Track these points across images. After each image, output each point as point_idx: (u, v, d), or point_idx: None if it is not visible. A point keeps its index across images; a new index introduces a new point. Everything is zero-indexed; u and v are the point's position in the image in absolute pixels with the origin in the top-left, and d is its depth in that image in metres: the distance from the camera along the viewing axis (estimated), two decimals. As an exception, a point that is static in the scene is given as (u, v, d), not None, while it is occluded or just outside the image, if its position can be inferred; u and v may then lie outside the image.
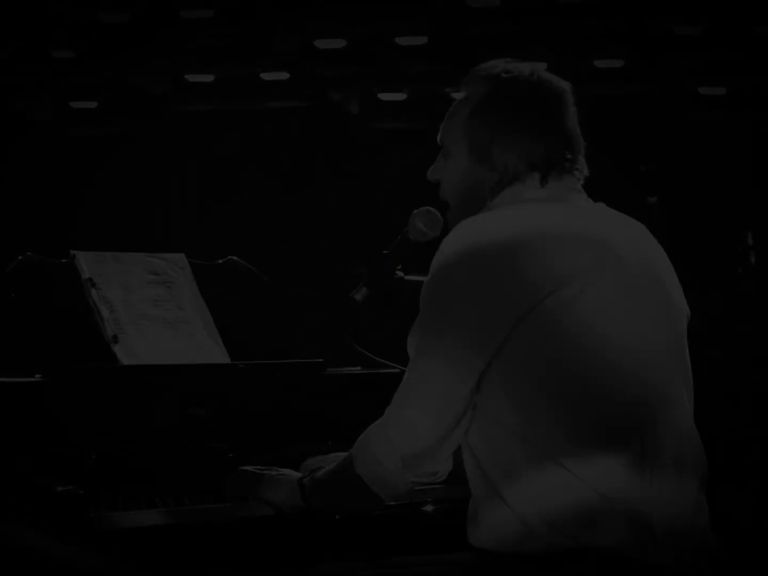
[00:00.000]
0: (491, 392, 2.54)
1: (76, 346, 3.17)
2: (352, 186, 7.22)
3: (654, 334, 2.60)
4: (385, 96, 7.14)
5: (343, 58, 6.79)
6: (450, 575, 2.67)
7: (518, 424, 2.51)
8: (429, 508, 3.02)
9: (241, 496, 2.87)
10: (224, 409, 3.12)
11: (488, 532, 2.55)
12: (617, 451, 2.50)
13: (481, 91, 2.72)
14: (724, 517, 2.96)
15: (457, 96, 2.79)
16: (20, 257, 3.25)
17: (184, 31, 6.56)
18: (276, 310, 3.51)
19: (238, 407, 3.14)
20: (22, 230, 6.66)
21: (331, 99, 7.13)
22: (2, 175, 7.05)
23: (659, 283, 2.66)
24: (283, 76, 6.99)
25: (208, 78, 6.99)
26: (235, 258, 3.52)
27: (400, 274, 3.24)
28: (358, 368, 3.39)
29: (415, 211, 3.20)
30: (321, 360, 3.29)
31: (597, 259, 2.56)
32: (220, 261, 3.50)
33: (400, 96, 7.13)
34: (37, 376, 3.01)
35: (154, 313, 3.26)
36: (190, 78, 6.99)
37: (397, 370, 3.16)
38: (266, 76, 6.99)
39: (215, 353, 3.27)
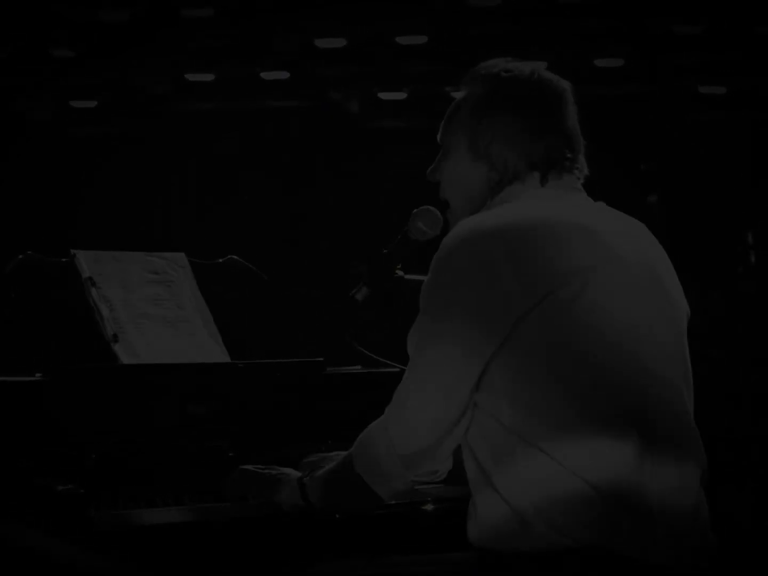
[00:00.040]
0: (491, 391, 2.54)
1: (76, 345, 3.17)
2: (352, 186, 7.22)
3: (654, 333, 2.59)
4: (385, 95, 7.14)
5: (343, 57, 6.79)
6: (450, 574, 2.67)
7: (518, 423, 2.51)
8: (429, 507, 3.02)
9: (242, 496, 2.87)
10: (224, 408, 3.12)
11: (488, 531, 2.55)
12: (618, 449, 2.49)
13: (481, 90, 2.72)
14: (724, 517, 2.96)
15: (457, 95, 2.79)
16: (20, 256, 3.25)
17: (185, 31, 6.57)
18: (276, 309, 3.51)
19: (238, 406, 3.14)
20: (22, 230, 6.66)
21: (331, 99, 7.13)
22: (2, 175, 7.05)
23: (659, 282, 2.66)
24: (283, 75, 6.99)
25: (208, 77, 7.00)
26: (235, 257, 3.52)
27: (400, 273, 3.24)
28: (358, 367, 3.39)
29: (416, 210, 3.20)
30: (321, 359, 3.29)
31: (597, 258, 2.56)
32: (221, 260, 3.50)
33: (400, 95, 7.14)
34: (38, 375, 3.01)
35: (154, 312, 3.26)
36: (190, 77, 7.00)
37: (397, 370, 3.16)
38: (266, 76, 6.99)
39: (215, 352, 3.27)
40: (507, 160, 2.67)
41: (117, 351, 3.14)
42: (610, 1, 6.41)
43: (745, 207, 7.08)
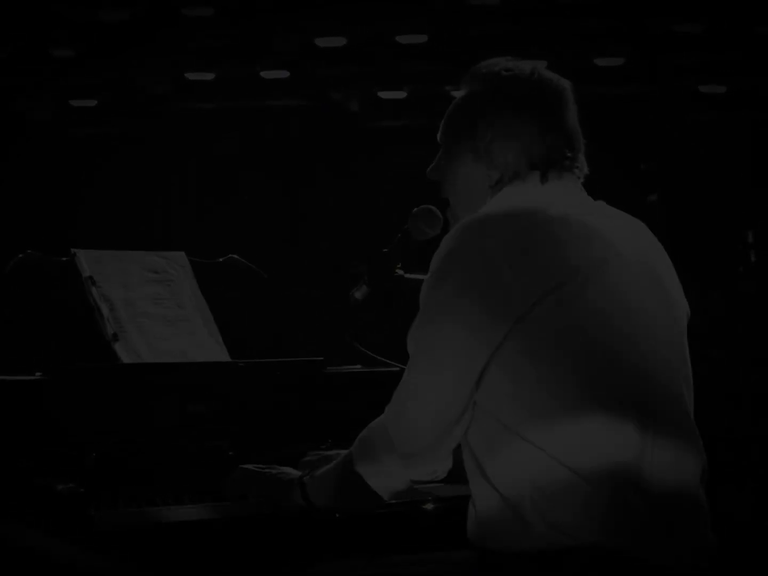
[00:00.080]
0: (491, 390, 2.54)
1: (77, 344, 3.16)
2: (352, 186, 7.22)
3: (654, 332, 2.59)
4: (385, 94, 7.14)
5: (343, 57, 6.79)
6: (450, 574, 2.67)
7: (518, 423, 2.51)
8: (429, 506, 3.02)
9: (242, 495, 2.87)
10: (224, 407, 3.12)
11: (488, 530, 2.55)
12: (618, 447, 2.49)
13: (482, 89, 2.72)
14: (724, 517, 2.96)
15: (458, 94, 2.79)
16: (20, 255, 3.25)
17: (185, 31, 6.57)
18: (276, 308, 3.51)
19: (238, 406, 3.13)
20: (23, 230, 6.67)
21: (331, 98, 7.13)
22: (2, 175, 7.05)
23: (659, 281, 2.66)
24: (284, 74, 6.99)
25: (209, 77, 7.00)
26: (235, 256, 3.52)
27: (400, 272, 3.24)
28: (358, 367, 3.39)
29: (416, 209, 3.20)
30: (321, 358, 3.29)
31: (597, 257, 2.56)
32: (221, 259, 3.50)
33: (400, 94, 7.14)
34: (38, 374, 3.01)
35: (155, 311, 3.26)
36: (190, 77, 7.00)
37: (397, 369, 3.16)
38: (266, 75, 6.99)
39: (215, 351, 3.27)
40: (507, 159, 2.67)
41: (117, 350, 3.14)
42: (610, 1, 6.42)
43: (745, 207, 7.08)
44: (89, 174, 7.20)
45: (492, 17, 6.50)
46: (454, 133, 2.75)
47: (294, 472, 2.83)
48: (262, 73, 6.98)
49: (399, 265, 3.24)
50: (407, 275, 3.24)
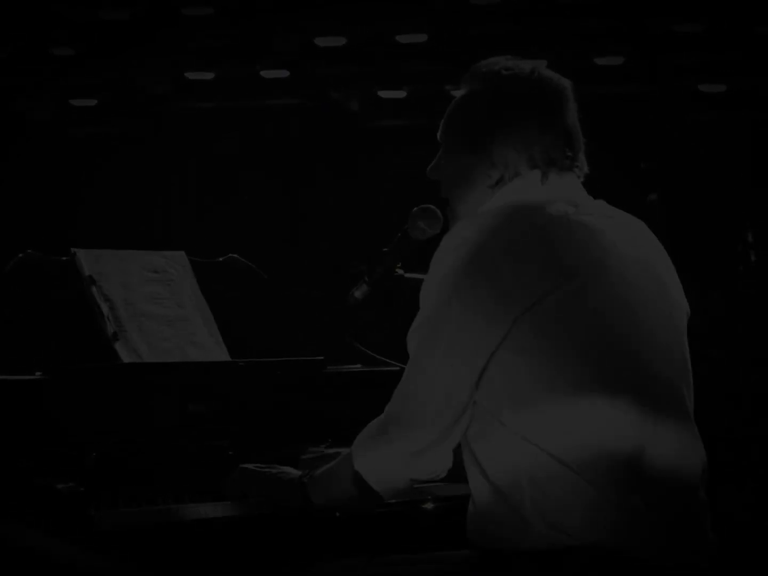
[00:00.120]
0: (491, 390, 2.54)
1: (77, 343, 3.16)
2: (352, 186, 7.22)
3: (654, 332, 2.59)
4: (385, 93, 7.14)
5: (343, 57, 6.79)
6: (450, 573, 2.67)
7: (518, 422, 2.51)
8: (429, 505, 3.02)
9: (242, 495, 2.87)
10: (224, 407, 3.12)
11: (488, 529, 2.55)
12: (619, 449, 2.49)
13: (482, 88, 2.72)
14: (724, 517, 2.96)
15: (458, 94, 2.79)
16: (20, 255, 3.25)
17: (185, 30, 6.57)
18: (276, 308, 3.51)
19: (238, 405, 3.13)
20: (22, 230, 6.66)
21: (331, 98, 7.13)
22: (2, 175, 7.05)
23: (659, 281, 2.66)
24: (284, 74, 6.99)
25: (208, 76, 7.00)
26: (235, 256, 3.52)
27: (400, 272, 3.25)
28: (358, 366, 3.39)
29: (416, 208, 3.20)
30: (321, 358, 3.29)
31: (597, 256, 2.56)
32: (221, 259, 3.50)
33: (400, 94, 7.14)
34: (38, 374, 3.01)
35: (154, 310, 3.25)
36: (191, 76, 7.00)
37: (397, 368, 3.16)
38: (266, 75, 6.99)
39: (215, 351, 3.27)
40: (507, 158, 2.67)
41: (117, 349, 3.14)
42: (610, 1, 6.41)
43: (745, 207, 7.08)
44: (89, 174, 7.19)
45: (492, 17, 6.50)
46: (454, 132, 2.76)
47: (294, 472, 2.83)
48: (262, 73, 6.98)
49: (399, 265, 3.24)
50: (407, 275, 3.24)
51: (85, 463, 2.81)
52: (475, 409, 2.57)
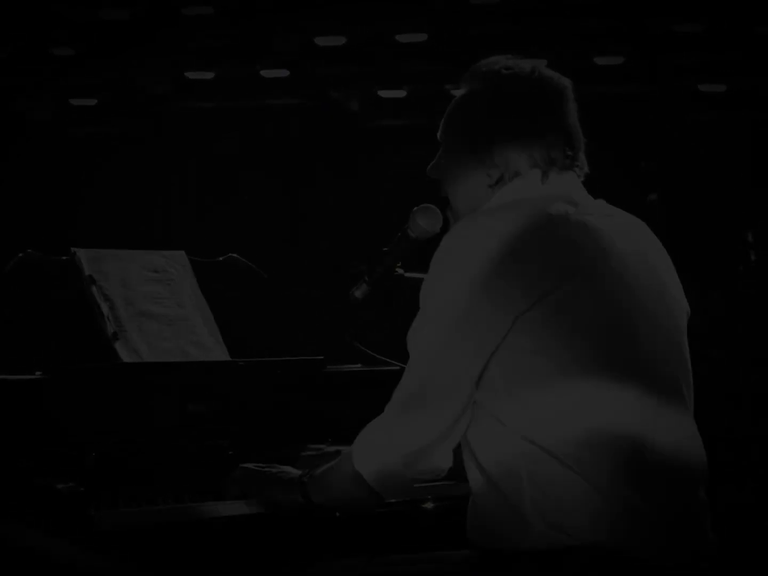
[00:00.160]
0: (491, 389, 2.54)
1: (77, 343, 3.16)
2: (352, 186, 7.22)
3: (653, 332, 2.59)
4: (385, 93, 7.14)
5: (343, 56, 6.79)
6: (450, 573, 2.66)
7: (518, 422, 2.51)
8: (429, 505, 3.02)
9: (242, 494, 2.87)
10: (224, 406, 3.12)
11: (488, 529, 2.55)
12: (619, 449, 2.49)
13: (482, 87, 2.72)
14: (724, 517, 2.96)
15: (458, 93, 2.79)
16: (20, 255, 3.25)
17: (185, 30, 6.57)
18: (276, 308, 3.51)
19: (238, 405, 3.13)
20: (23, 230, 6.66)
21: (331, 98, 7.13)
22: (2, 175, 7.05)
23: (659, 280, 2.66)
24: (284, 74, 6.99)
25: (209, 76, 7.00)
26: (235, 255, 3.52)
27: (400, 271, 3.25)
28: (359, 366, 3.39)
29: (416, 208, 3.20)
30: (321, 357, 3.29)
31: (597, 256, 2.56)
32: (221, 258, 3.50)
33: (400, 94, 7.14)
34: (38, 373, 3.00)
35: (155, 310, 3.25)
36: (191, 76, 7.00)
37: (397, 368, 3.16)
38: (266, 74, 6.99)
39: (215, 351, 3.27)
40: (507, 158, 2.67)
41: (117, 349, 3.14)
42: (610, 1, 6.41)
43: (745, 207, 7.08)
44: (89, 174, 7.20)
45: (492, 17, 6.50)
46: (454, 131, 2.75)
47: (294, 471, 2.83)
48: (262, 73, 6.98)
49: (399, 265, 3.24)
50: (407, 274, 3.24)
51: (85, 463, 2.81)
52: (475, 409, 2.57)
